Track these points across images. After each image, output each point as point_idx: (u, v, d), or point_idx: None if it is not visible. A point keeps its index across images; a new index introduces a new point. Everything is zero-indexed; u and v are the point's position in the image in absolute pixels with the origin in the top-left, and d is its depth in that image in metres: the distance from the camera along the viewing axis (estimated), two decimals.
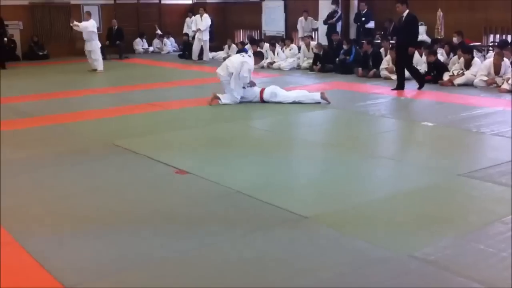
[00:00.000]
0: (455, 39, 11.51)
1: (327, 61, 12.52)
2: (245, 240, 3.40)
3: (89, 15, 13.32)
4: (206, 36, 14.92)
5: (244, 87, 8.47)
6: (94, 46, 12.99)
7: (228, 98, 8.42)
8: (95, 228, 3.62)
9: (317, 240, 3.39)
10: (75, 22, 12.89)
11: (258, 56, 9.21)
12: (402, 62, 9.55)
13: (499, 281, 2.81)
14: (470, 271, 2.92)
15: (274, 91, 8.40)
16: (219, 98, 8.41)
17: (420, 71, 10.80)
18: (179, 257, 3.18)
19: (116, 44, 16.76)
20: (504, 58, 9.68)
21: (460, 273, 2.90)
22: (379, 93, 9.21)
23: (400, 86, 9.48)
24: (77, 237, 3.49)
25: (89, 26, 12.94)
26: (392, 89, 9.48)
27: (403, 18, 9.30)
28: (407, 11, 9.25)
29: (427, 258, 3.07)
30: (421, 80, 9.62)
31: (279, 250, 3.26)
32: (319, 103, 8.10)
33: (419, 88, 9.51)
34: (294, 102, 8.17)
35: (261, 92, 8.46)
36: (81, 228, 3.64)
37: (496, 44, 11.18)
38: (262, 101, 8.41)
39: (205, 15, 14.83)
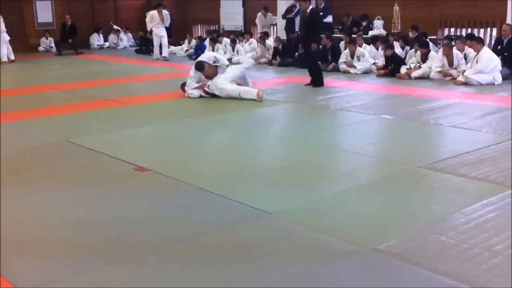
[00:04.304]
0: (410, 34, 11.69)
1: (286, 56, 12.52)
2: (208, 238, 3.33)
3: None
4: (162, 32, 14.51)
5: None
6: None
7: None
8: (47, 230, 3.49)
9: (281, 236, 3.35)
10: None
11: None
12: (307, 57, 9.58)
13: (461, 273, 2.82)
14: (433, 263, 2.92)
15: (216, 82, 8.30)
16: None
17: (378, 64, 10.94)
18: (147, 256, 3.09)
19: (69, 41, 16.35)
20: (455, 50, 9.86)
21: (424, 265, 2.91)
22: (338, 87, 9.25)
23: (316, 82, 9.30)
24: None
25: None
26: (306, 85, 9.36)
27: (307, 14, 9.40)
28: (311, 7, 9.35)
29: (391, 251, 3.07)
30: (317, 80, 9.30)
31: (243, 247, 3.20)
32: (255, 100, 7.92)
33: (309, 84, 9.31)
34: (235, 98, 8.05)
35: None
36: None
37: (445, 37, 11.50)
38: (205, 93, 8.36)
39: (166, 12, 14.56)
